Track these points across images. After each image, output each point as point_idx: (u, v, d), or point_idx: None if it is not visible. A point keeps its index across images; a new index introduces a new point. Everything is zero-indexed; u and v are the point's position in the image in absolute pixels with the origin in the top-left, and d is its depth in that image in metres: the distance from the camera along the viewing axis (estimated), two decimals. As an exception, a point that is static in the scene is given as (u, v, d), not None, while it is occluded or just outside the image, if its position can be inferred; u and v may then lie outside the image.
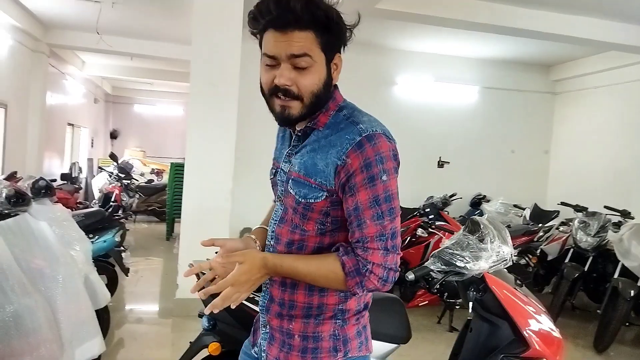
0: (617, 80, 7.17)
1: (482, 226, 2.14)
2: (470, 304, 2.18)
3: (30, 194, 3.10)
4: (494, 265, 2.10)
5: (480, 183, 7.88)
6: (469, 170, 7.96)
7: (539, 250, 5.40)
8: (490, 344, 2.19)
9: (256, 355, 1.37)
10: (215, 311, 1.11)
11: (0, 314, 2.09)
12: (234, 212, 6.83)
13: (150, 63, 10.14)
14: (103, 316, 3.63)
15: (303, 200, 1.20)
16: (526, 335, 2.06)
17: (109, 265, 4.34)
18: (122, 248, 6.19)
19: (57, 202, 3.46)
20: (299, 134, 1.25)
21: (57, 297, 2.64)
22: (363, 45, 7.22)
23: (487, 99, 8.06)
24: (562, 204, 5.54)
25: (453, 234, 4.72)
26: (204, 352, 2.18)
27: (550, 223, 5.55)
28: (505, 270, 2.25)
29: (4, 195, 2.58)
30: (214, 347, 2.12)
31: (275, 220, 1.30)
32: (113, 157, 8.11)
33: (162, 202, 9.44)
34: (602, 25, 5.63)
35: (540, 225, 5.33)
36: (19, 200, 2.64)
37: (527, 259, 4.98)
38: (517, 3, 5.24)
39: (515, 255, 4.83)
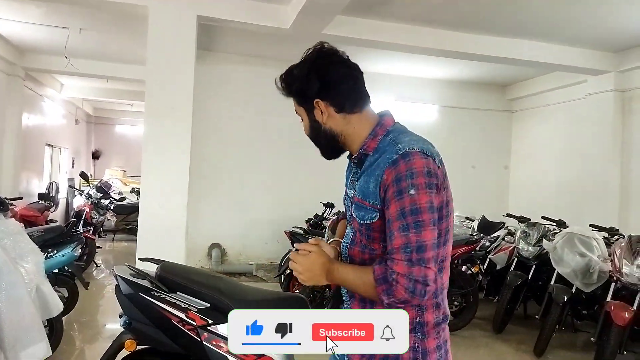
0: (564, 99, 7.56)
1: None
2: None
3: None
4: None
5: (442, 198, 8.11)
6: (431, 185, 8.18)
7: (487, 260, 5.66)
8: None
9: None
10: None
11: None
12: (201, 229, 7.07)
13: (127, 85, 10.33)
14: (56, 325, 3.81)
15: (362, 222, 1.32)
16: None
17: (69, 279, 4.49)
18: (83, 264, 6.38)
19: (12, 216, 3.65)
20: (355, 161, 1.42)
21: (-1, 304, 2.85)
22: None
23: (447, 117, 8.42)
24: (508, 215, 5.83)
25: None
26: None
27: (497, 233, 5.81)
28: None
29: (-53, 209, 2.79)
30: (129, 344, 2.32)
31: (347, 243, 1.43)
32: (84, 176, 8.29)
33: (140, 220, 9.60)
34: (545, 48, 5.98)
35: (482, 235, 5.59)
36: (-39, 214, 2.85)
37: (469, 267, 5.23)
38: (459, 28, 5.58)
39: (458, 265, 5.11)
